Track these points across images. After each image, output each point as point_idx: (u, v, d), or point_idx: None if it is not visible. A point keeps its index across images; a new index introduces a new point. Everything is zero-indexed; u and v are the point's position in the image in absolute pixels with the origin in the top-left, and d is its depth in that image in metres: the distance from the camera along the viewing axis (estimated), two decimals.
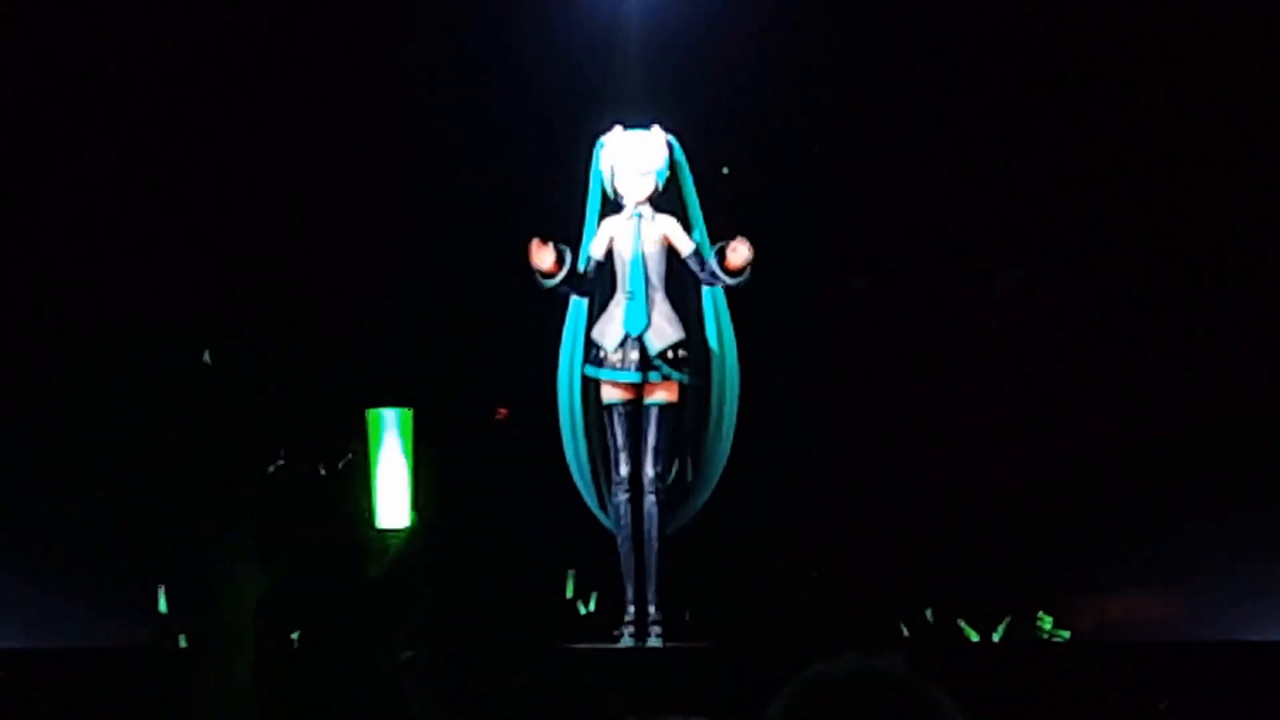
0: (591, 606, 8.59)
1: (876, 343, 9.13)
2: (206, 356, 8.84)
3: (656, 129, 7.83)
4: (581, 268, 7.75)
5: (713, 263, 7.68)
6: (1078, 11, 8.90)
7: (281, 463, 8.47)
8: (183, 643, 8.19)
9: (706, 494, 8.04)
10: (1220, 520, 8.48)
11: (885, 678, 2.39)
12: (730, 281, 7.69)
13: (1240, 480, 8.57)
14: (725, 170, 8.80)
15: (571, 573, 8.65)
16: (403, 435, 7.61)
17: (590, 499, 7.99)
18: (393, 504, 7.55)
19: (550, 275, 7.66)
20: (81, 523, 8.58)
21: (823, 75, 8.89)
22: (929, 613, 8.56)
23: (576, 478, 7.99)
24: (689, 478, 8.01)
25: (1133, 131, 8.89)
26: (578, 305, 7.91)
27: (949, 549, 8.71)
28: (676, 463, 7.93)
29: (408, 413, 7.64)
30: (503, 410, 8.93)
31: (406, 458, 7.60)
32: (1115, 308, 8.93)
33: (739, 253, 7.62)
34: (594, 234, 7.83)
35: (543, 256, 7.64)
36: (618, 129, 7.82)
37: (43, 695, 7.43)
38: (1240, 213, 8.87)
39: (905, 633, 8.53)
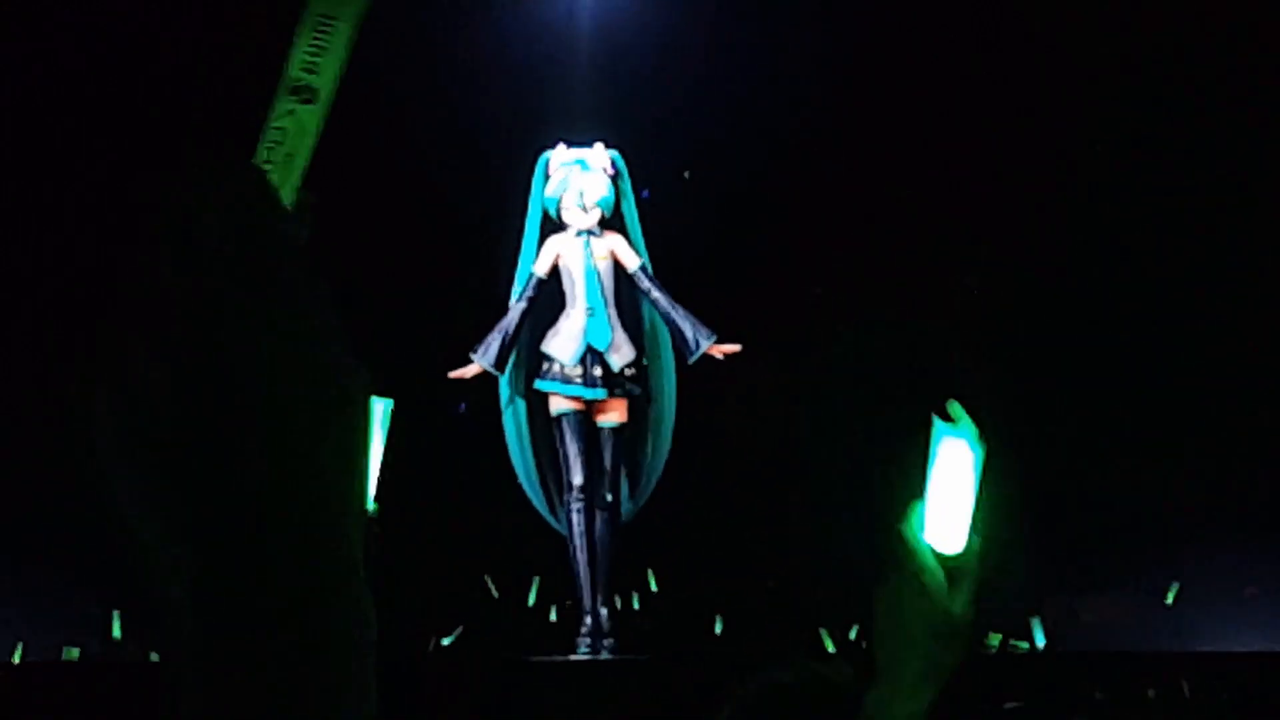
0: (553, 616, 8.58)
1: (824, 346, 9.18)
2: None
3: (599, 147, 7.83)
4: (521, 286, 7.77)
5: (696, 337, 7.70)
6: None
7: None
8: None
9: (644, 499, 8.05)
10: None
11: (834, 685, 2.41)
12: (692, 353, 7.72)
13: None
14: (686, 175, 8.82)
15: (536, 580, 8.64)
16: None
17: (541, 506, 8.00)
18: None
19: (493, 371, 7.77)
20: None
21: (774, 87, 8.94)
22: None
23: (526, 487, 8.00)
24: (632, 482, 8.03)
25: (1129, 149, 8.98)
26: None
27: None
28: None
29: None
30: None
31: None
32: (1114, 315, 9.01)
33: (720, 350, 7.71)
34: (534, 250, 7.82)
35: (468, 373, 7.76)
36: (561, 147, 7.82)
37: None
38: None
39: (861, 644, 8.56)
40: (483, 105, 8.94)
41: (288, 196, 2.15)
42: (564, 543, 7.86)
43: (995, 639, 8.23)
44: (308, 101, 2.24)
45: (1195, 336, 8.90)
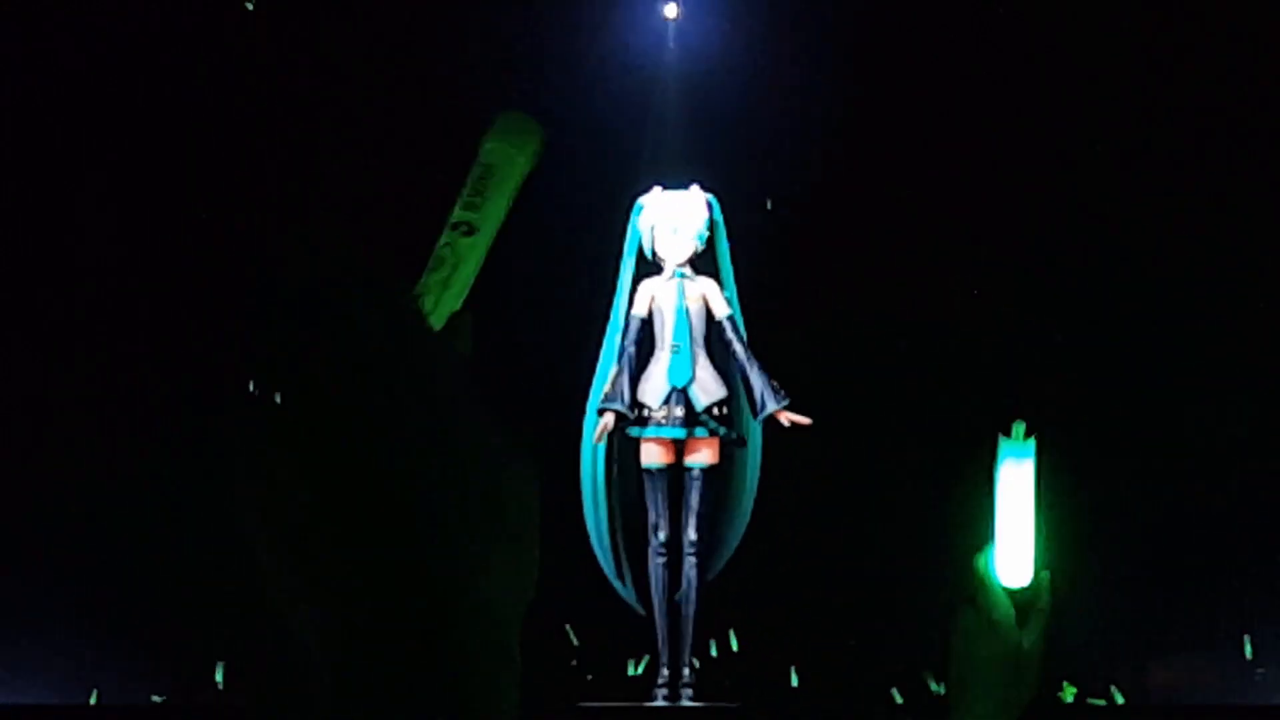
0: (639, 669, 8.53)
1: (913, 401, 9.14)
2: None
3: (695, 189, 7.85)
4: (620, 333, 7.78)
5: (764, 398, 7.68)
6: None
7: None
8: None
9: (730, 553, 8.01)
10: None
11: None
12: (759, 413, 7.70)
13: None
14: (769, 205, 8.82)
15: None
16: None
17: (609, 567, 7.96)
18: None
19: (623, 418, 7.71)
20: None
21: (857, 126, 8.95)
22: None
23: (595, 545, 7.93)
24: (719, 536, 7.98)
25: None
26: (604, 369, 7.86)
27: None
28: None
29: None
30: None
31: None
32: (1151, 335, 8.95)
33: (787, 417, 7.66)
34: (627, 294, 7.83)
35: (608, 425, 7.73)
36: (656, 190, 7.85)
37: None
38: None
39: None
40: (572, 153, 8.99)
41: (442, 318, 2.29)
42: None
43: (1071, 691, 8.14)
44: (467, 234, 2.38)
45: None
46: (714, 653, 8.17)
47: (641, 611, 7.95)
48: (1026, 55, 8.99)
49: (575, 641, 8.75)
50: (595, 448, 7.87)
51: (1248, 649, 8.44)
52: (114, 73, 8.85)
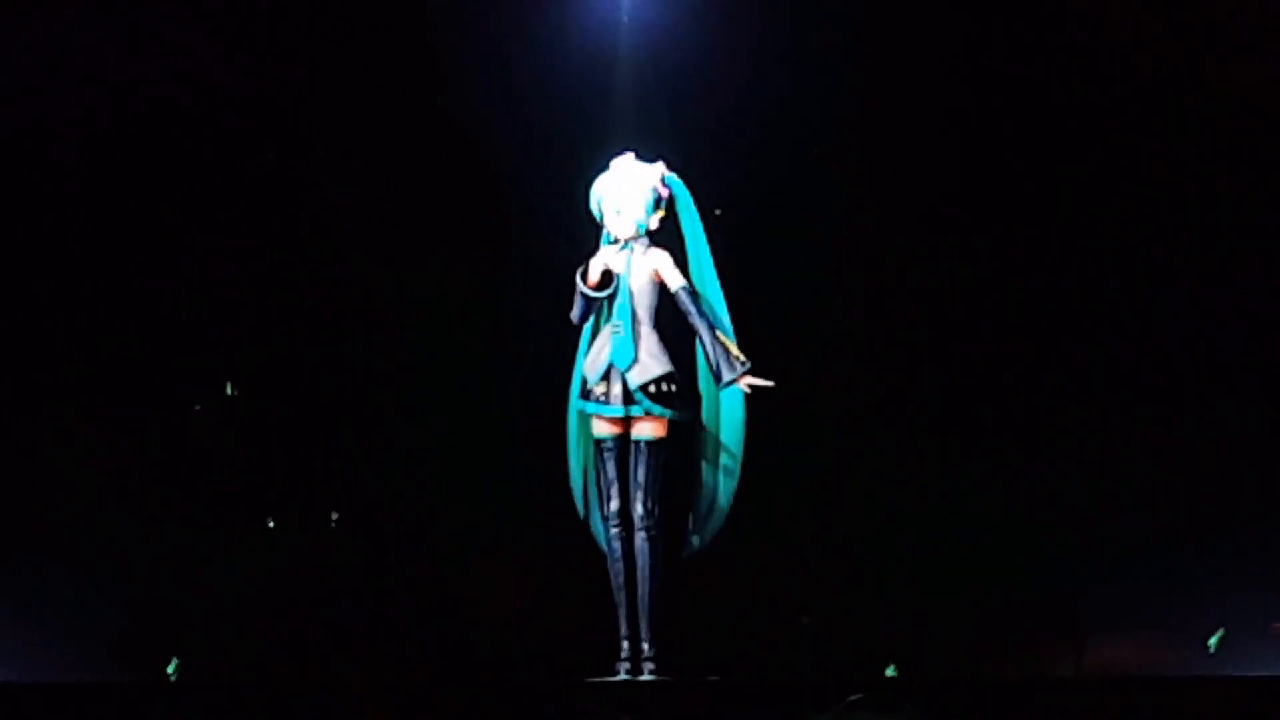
0: None
1: (878, 386, 9.16)
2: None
3: (659, 165, 7.82)
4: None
5: (720, 365, 7.65)
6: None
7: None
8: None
9: (712, 530, 7.97)
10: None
11: None
12: (719, 381, 7.67)
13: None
14: (718, 212, 8.84)
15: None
16: None
17: (596, 526, 7.95)
18: None
19: (601, 288, 7.66)
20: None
21: (820, 106, 8.96)
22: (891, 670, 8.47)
23: (579, 503, 7.97)
24: (694, 512, 7.96)
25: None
26: (582, 343, 7.84)
27: (942, 594, 8.72)
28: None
29: None
30: None
31: None
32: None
33: (746, 382, 7.66)
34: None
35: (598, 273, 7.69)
36: (629, 157, 7.80)
37: None
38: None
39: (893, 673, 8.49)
40: (537, 125, 9.03)
41: None
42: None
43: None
44: None
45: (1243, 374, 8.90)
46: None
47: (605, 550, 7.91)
48: (983, 42, 9.05)
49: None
50: (571, 416, 7.87)
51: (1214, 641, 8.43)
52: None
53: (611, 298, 7.72)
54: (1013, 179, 9.07)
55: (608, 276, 7.69)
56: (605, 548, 7.82)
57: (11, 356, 8.94)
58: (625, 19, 8.99)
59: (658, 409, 7.68)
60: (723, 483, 7.90)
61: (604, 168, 7.81)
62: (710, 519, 7.94)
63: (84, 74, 8.92)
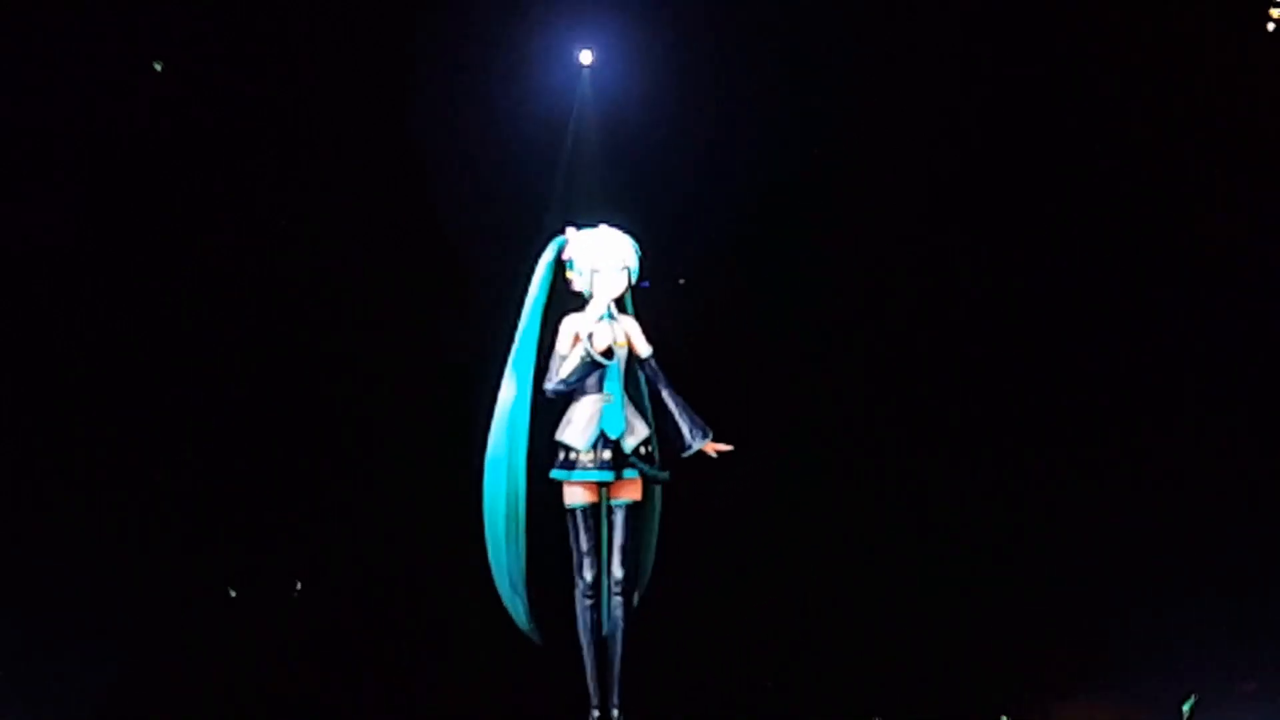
0: None
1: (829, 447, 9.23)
2: None
3: (604, 228, 7.86)
4: (531, 362, 7.73)
5: (692, 432, 7.74)
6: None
7: None
8: None
9: (646, 582, 8.02)
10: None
11: None
12: (687, 448, 7.77)
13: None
14: (681, 281, 8.91)
15: None
16: None
17: (520, 608, 7.86)
18: None
19: (609, 356, 7.68)
20: None
21: (770, 168, 9.06)
22: None
23: (505, 585, 7.83)
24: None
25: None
26: (514, 410, 7.74)
27: (908, 659, 8.77)
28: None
29: None
30: None
31: None
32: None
33: (714, 448, 7.75)
34: (536, 330, 7.74)
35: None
36: (571, 229, 7.84)
37: None
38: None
39: None
40: (486, 190, 9.06)
41: None
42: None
43: None
44: None
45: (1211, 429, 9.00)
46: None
47: (540, 642, 7.90)
48: (946, 78, 9.15)
49: None
50: (513, 493, 7.79)
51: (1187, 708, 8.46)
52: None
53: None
54: (1007, 220, 9.18)
55: (609, 349, 7.72)
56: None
57: None
58: (586, 89, 9.04)
59: (650, 470, 7.72)
60: (653, 539, 8.00)
61: (553, 234, 7.84)
62: (646, 572, 7.99)
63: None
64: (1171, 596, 8.70)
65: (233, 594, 9.04)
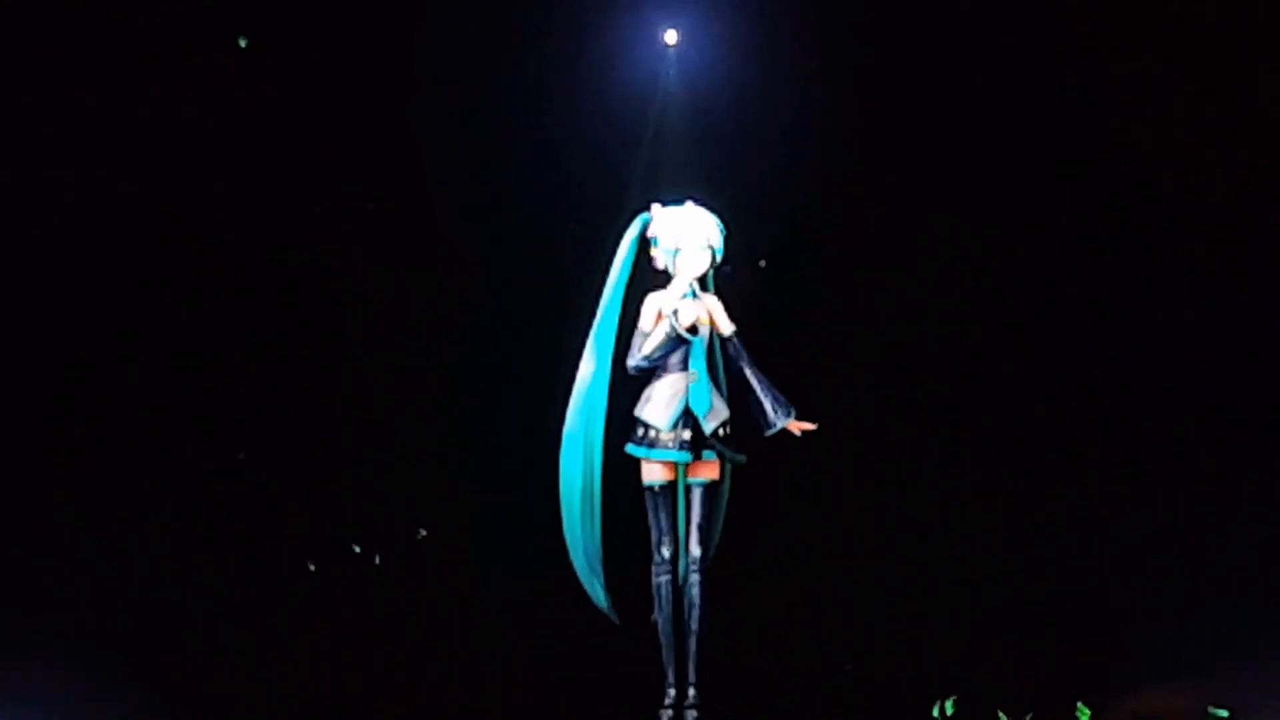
0: None
1: (907, 440, 9.21)
2: None
3: (690, 204, 7.85)
4: (612, 339, 7.75)
5: (776, 411, 7.73)
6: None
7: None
8: None
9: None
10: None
11: None
12: (770, 427, 7.75)
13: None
14: (762, 263, 8.89)
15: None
16: None
17: (598, 587, 7.92)
18: None
19: (694, 332, 7.68)
20: None
21: (853, 149, 9.04)
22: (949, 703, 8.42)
23: (581, 563, 7.88)
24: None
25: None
26: (594, 385, 7.78)
27: (980, 641, 8.71)
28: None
29: None
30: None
31: None
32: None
33: (798, 427, 7.73)
34: (618, 307, 7.77)
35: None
36: (657, 206, 7.84)
37: None
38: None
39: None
40: (570, 170, 9.08)
41: None
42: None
43: (1085, 713, 8.08)
44: None
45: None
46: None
47: (617, 621, 7.95)
48: (1017, 69, 9.11)
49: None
50: (588, 468, 7.82)
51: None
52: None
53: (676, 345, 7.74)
54: (1058, 228, 9.14)
55: (694, 325, 7.71)
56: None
57: None
58: (670, 68, 9.06)
59: (728, 452, 7.71)
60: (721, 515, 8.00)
61: (637, 211, 7.83)
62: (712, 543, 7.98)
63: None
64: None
65: (312, 568, 9.11)
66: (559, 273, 8.83)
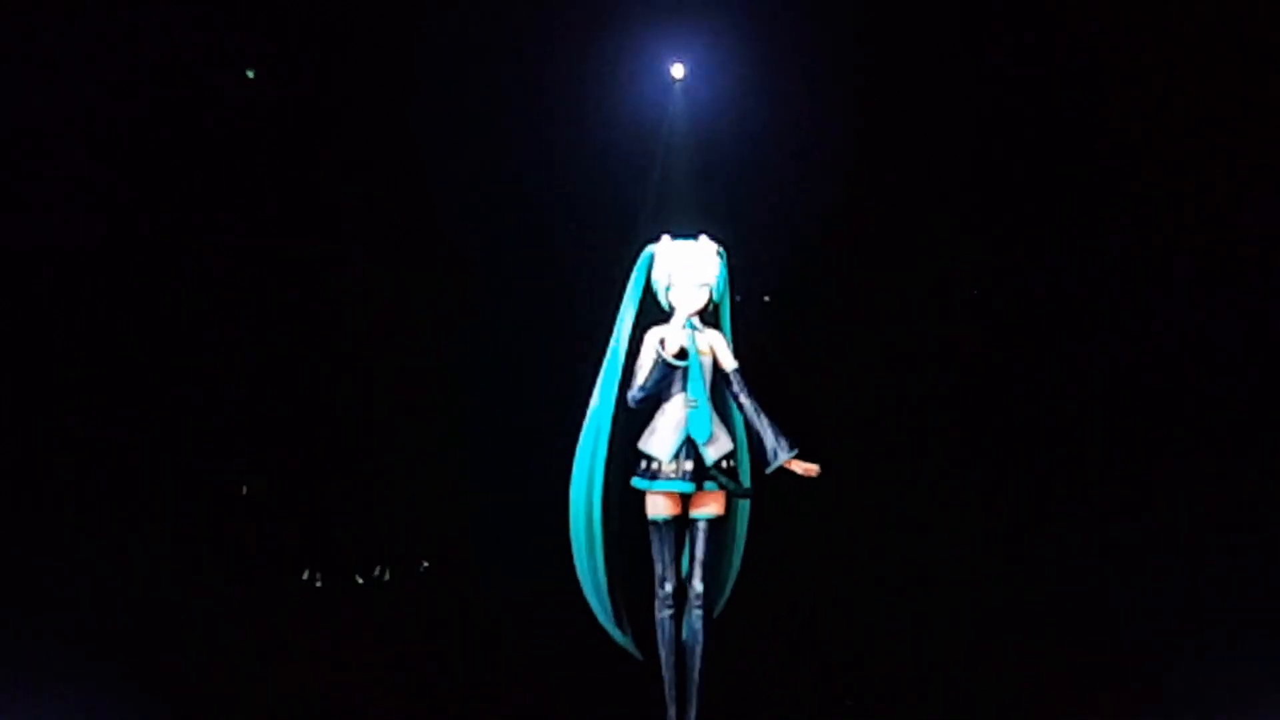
0: None
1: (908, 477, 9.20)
2: None
3: (704, 239, 7.87)
4: (618, 374, 7.75)
5: (776, 448, 7.68)
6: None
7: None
8: None
9: (726, 597, 7.99)
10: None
11: None
12: (769, 464, 7.70)
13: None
14: (766, 299, 8.89)
15: None
16: None
17: (607, 616, 7.91)
18: None
19: (681, 357, 7.68)
20: None
21: (860, 184, 9.04)
22: None
23: (591, 595, 7.88)
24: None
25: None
26: (597, 419, 7.79)
27: (985, 678, 8.69)
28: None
29: None
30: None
31: None
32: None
33: (801, 466, 7.68)
34: (625, 341, 7.75)
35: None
36: (667, 239, 7.86)
37: None
38: None
39: None
40: (578, 202, 9.09)
41: None
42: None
43: None
44: None
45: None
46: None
47: (640, 657, 7.92)
48: (1023, 101, 9.11)
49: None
50: (590, 500, 7.81)
51: None
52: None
53: (671, 376, 7.74)
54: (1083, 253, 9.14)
55: (682, 350, 7.72)
56: (624, 631, 7.79)
57: None
58: (678, 103, 9.08)
59: (730, 484, 7.70)
60: (737, 551, 7.98)
61: (642, 245, 7.84)
62: (727, 587, 7.98)
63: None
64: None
65: (360, 580, 9.11)
66: (569, 306, 8.85)
